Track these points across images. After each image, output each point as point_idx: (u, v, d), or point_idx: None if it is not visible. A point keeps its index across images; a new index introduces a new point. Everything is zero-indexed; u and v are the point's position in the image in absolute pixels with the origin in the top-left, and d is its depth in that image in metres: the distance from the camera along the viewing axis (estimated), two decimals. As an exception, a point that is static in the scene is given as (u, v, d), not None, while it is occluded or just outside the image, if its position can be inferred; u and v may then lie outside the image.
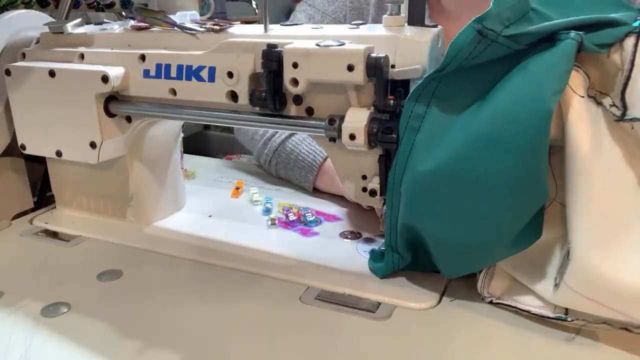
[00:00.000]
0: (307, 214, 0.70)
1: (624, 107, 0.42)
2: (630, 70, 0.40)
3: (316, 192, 0.80)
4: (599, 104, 0.43)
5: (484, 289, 0.51)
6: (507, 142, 0.42)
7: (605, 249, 0.42)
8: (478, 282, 0.52)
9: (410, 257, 0.54)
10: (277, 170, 0.84)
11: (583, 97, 0.43)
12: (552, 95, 0.41)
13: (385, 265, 0.55)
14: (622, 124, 0.43)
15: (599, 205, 0.42)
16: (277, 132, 0.83)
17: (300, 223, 0.69)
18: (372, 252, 0.59)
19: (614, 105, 0.43)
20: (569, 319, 0.46)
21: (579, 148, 0.42)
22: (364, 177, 0.55)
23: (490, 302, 0.51)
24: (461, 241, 0.47)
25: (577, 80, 0.43)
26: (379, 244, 0.62)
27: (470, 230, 0.46)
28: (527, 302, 0.49)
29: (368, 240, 0.64)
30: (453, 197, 0.46)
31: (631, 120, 0.42)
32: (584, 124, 0.42)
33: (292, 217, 0.70)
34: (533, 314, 0.48)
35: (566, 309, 0.47)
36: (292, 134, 0.82)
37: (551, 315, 0.47)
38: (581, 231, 0.42)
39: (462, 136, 0.45)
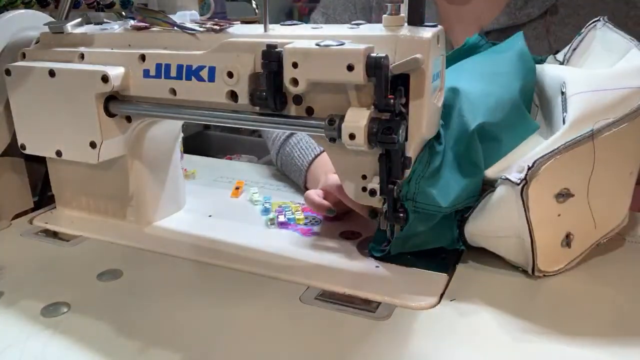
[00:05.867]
0: (296, 212, 0.71)
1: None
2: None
3: None
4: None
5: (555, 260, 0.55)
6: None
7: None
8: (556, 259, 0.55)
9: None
10: (283, 169, 0.85)
11: None
12: None
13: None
14: None
15: None
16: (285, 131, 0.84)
17: (296, 221, 0.69)
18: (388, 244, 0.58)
19: None
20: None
21: None
22: (364, 177, 0.55)
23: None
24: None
25: None
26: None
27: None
28: None
29: (368, 240, 0.64)
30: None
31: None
32: None
33: (289, 216, 0.70)
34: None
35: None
36: (292, 133, 0.82)
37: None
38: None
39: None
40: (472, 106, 0.57)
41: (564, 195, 0.53)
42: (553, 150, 0.52)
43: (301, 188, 0.80)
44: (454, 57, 0.67)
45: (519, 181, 0.51)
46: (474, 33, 0.82)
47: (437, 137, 0.56)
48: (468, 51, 0.68)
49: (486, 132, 0.55)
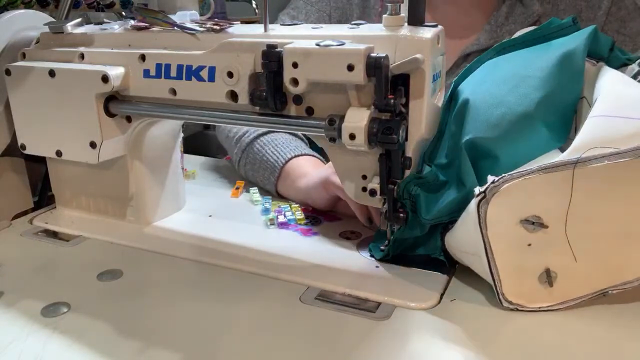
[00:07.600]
0: (296, 212, 0.71)
1: None
2: None
3: (280, 196, 0.78)
4: None
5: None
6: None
7: None
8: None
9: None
10: (246, 171, 0.82)
11: None
12: None
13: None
14: None
15: None
16: (248, 130, 0.81)
17: (296, 222, 0.69)
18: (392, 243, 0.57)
19: None
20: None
21: None
22: (364, 177, 0.55)
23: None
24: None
25: None
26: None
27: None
28: None
29: (368, 240, 0.64)
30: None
31: None
32: None
33: (289, 216, 0.70)
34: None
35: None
36: (263, 133, 0.79)
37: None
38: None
39: None
40: (473, 119, 0.53)
41: (533, 224, 0.47)
42: (525, 170, 0.47)
43: (269, 189, 0.78)
44: (527, 39, 0.60)
45: (477, 192, 0.48)
46: (456, 58, 0.82)
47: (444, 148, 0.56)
48: (546, 36, 0.60)
49: (478, 148, 0.52)
